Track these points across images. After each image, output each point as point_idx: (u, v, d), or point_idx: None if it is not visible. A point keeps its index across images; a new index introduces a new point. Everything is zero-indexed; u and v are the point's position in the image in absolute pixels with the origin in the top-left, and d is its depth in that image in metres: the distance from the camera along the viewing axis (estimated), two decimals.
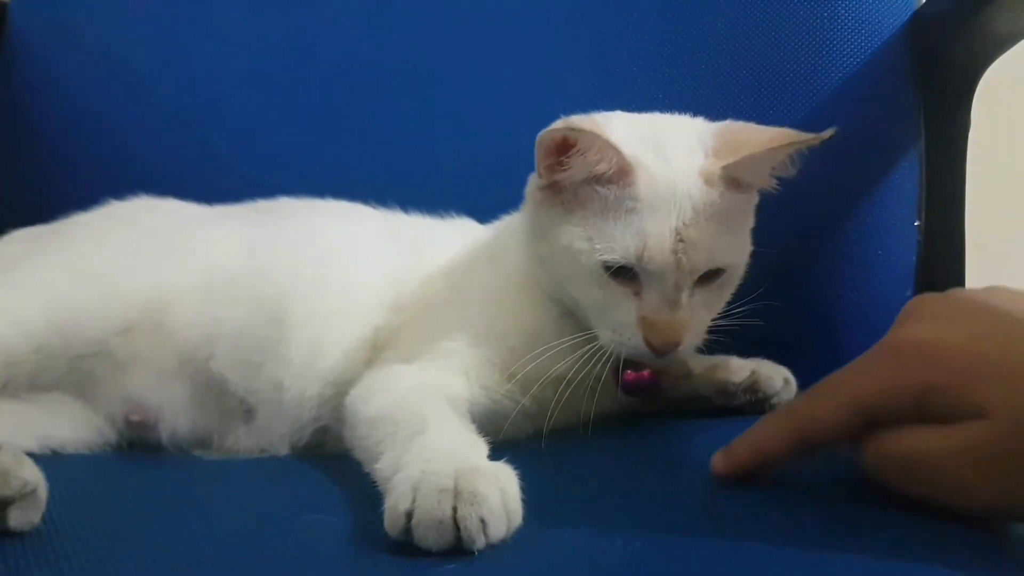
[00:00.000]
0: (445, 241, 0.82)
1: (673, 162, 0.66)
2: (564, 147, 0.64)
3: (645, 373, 0.71)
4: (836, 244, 0.89)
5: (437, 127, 1.01)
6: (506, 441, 0.59)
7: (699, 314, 0.67)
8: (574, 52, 0.99)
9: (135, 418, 0.73)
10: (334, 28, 1.03)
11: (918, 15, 0.91)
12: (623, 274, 0.65)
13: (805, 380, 0.77)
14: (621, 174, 0.65)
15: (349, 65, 1.02)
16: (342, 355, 0.74)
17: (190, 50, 1.04)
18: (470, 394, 0.69)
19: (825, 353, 0.91)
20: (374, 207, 0.87)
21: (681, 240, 0.64)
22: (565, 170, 0.65)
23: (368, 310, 0.76)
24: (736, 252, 0.69)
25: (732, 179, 0.66)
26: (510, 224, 0.80)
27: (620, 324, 0.66)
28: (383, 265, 0.79)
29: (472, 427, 0.60)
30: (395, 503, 0.47)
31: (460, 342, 0.71)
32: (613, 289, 0.66)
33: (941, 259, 0.91)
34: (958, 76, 0.88)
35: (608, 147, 0.63)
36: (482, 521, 0.45)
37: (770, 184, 0.70)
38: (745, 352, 0.77)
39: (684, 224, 0.64)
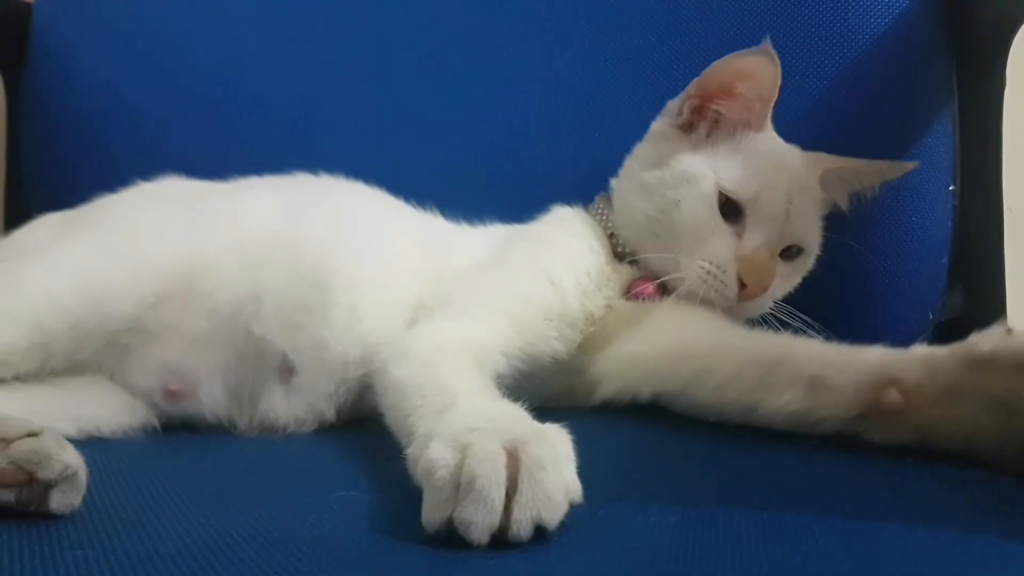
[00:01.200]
0: (478, 235, 0.86)
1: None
2: (740, 78, 0.73)
3: (649, 288, 0.76)
4: (870, 212, 0.87)
5: (443, 122, 1.01)
6: (536, 410, 0.58)
7: (777, 280, 0.74)
8: (581, 27, 0.98)
9: (173, 387, 0.73)
10: (348, 14, 1.03)
11: None
12: (730, 213, 0.73)
13: None
14: (757, 126, 0.75)
15: (365, 53, 1.02)
16: (380, 321, 0.75)
17: (210, 35, 1.04)
18: (504, 340, 0.69)
19: (861, 322, 0.90)
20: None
21: (790, 201, 0.73)
22: (728, 103, 0.74)
23: (407, 279, 0.78)
24: (816, 240, 0.79)
25: (824, 180, 0.78)
26: (561, 208, 0.86)
27: (716, 256, 0.72)
28: (420, 243, 0.81)
29: (501, 396, 0.56)
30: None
31: (503, 281, 0.74)
32: (719, 220, 0.73)
33: (978, 225, 0.89)
34: (991, 34, 0.86)
35: (776, 88, 0.72)
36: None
37: (843, 202, 0.81)
38: (781, 323, 0.77)
39: (793, 190, 0.74)
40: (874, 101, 0.86)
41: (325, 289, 0.74)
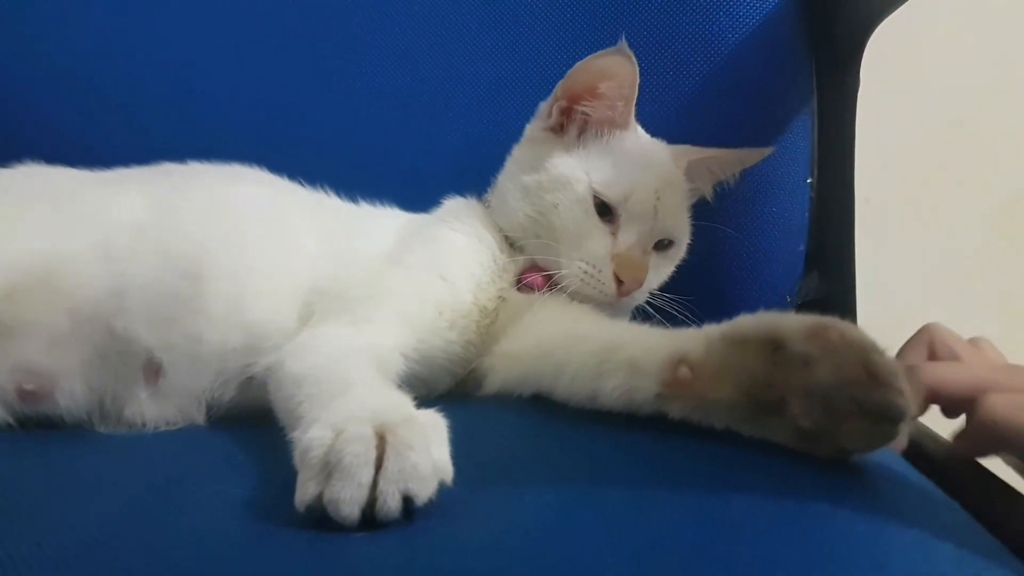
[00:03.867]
0: (374, 217, 0.84)
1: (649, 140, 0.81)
2: (601, 78, 0.75)
3: (539, 279, 0.78)
4: (734, 203, 0.92)
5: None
6: (425, 398, 0.58)
7: (651, 273, 0.78)
8: (467, 14, 0.97)
9: (29, 387, 0.68)
10: None
11: None
12: (604, 213, 0.75)
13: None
14: (622, 125, 0.77)
15: (242, 36, 0.98)
16: (267, 309, 0.72)
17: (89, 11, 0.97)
18: (402, 341, 0.69)
19: (726, 304, 0.95)
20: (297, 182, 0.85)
21: (659, 198, 0.76)
22: (592, 103, 0.77)
23: (297, 261, 0.75)
24: (686, 231, 0.82)
25: (689, 171, 0.82)
26: (454, 200, 0.86)
27: (594, 256, 0.75)
28: (313, 222, 0.79)
29: (396, 389, 0.57)
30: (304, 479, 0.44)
31: (399, 283, 0.74)
32: (595, 221, 0.75)
33: (833, 214, 0.96)
34: (847, 38, 0.92)
35: (635, 86, 0.74)
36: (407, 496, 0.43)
37: (708, 191, 0.85)
38: (656, 309, 0.81)
39: (661, 186, 0.77)
40: (741, 99, 0.91)
41: (200, 278, 0.71)
